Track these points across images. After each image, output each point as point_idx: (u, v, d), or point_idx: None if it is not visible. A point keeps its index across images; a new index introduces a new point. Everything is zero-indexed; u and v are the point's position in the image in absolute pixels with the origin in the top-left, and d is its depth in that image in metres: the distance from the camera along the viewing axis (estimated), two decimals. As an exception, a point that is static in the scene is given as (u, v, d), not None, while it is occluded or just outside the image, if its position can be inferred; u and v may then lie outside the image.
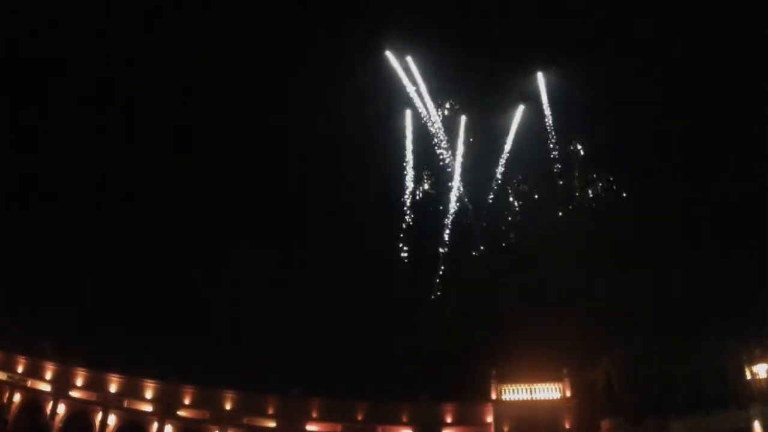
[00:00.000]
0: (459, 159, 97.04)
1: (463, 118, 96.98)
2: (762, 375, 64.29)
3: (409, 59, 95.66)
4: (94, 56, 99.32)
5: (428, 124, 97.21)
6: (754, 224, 72.56)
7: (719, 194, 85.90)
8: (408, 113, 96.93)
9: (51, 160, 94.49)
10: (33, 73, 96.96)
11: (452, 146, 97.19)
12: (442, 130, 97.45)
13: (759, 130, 76.91)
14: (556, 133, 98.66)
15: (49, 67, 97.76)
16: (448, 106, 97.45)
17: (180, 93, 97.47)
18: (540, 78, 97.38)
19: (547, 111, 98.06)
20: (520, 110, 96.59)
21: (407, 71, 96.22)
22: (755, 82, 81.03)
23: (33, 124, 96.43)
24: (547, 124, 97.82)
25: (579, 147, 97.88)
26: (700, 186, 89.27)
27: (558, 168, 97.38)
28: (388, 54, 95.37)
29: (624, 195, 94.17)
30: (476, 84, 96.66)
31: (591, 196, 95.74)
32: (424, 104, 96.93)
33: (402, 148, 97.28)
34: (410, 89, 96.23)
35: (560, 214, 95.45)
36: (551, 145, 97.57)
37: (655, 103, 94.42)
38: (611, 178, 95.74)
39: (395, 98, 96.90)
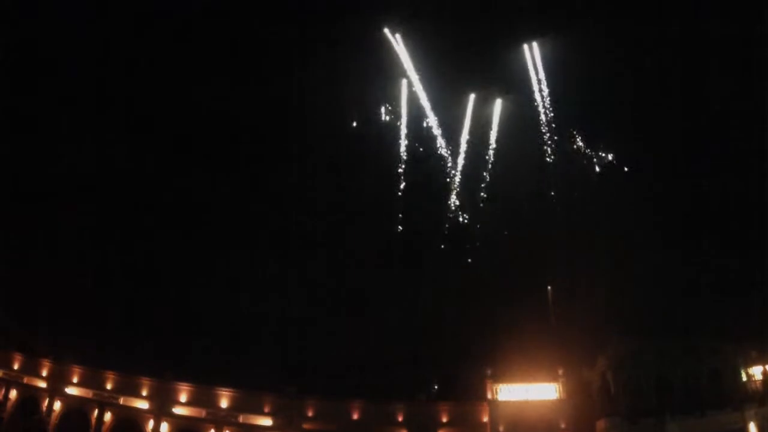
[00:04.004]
0: (462, 148, 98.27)
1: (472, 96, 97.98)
2: (757, 377, 64.30)
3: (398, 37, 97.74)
4: (94, 57, 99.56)
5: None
6: (753, 225, 72.41)
7: (719, 194, 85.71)
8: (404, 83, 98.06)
9: (48, 159, 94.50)
10: (33, 74, 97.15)
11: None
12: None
13: (759, 130, 76.64)
14: (552, 120, 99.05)
15: (49, 67, 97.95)
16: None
17: (180, 93, 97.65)
18: (534, 48, 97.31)
19: (542, 83, 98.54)
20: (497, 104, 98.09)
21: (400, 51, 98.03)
22: (756, 81, 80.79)
23: (31, 121, 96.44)
24: (541, 101, 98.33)
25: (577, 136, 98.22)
26: (700, 185, 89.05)
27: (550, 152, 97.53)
28: (386, 32, 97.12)
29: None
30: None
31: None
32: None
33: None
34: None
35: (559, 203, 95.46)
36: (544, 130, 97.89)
37: (655, 102, 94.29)
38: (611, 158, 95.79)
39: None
